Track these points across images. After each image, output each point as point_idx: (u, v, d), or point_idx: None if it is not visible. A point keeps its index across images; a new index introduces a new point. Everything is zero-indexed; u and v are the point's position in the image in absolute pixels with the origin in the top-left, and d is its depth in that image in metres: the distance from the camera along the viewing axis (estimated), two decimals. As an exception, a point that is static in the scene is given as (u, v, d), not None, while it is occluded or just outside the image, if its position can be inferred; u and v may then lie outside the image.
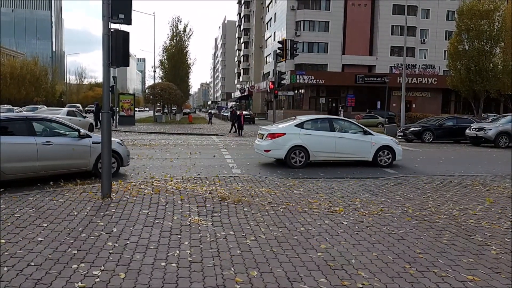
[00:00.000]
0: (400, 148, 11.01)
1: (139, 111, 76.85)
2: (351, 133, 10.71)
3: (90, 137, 8.24)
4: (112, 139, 8.62)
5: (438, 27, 50.04)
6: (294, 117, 11.61)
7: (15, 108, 30.66)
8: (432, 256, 4.05)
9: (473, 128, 18.35)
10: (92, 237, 4.35)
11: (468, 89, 31.67)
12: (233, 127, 24.67)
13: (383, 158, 10.67)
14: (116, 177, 8.06)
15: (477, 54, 30.47)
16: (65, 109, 23.36)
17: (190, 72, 48.56)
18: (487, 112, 39.15)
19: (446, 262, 3.92)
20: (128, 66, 6.38)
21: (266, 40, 61.97)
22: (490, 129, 17.51)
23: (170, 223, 4.94)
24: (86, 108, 53.78)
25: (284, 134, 10.28)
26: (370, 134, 10.82)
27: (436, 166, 11.14)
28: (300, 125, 10.48)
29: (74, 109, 25.85)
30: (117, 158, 8.55)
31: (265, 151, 10.45)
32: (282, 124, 11.11)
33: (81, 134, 8.05)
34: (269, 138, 10.37)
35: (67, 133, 8.03)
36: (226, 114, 43.43)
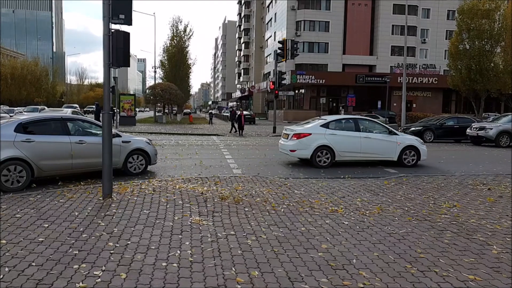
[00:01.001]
0: (425, 148, 11.03)
1: (139, 111, 76.95)
2: (376, 133, 10.78)
3: (120, 136, 8.68)
4: (141, 138, 9.47)
5: (439, 27, 49.99)
6: (318, 117, 11.74)
7: (15, 108, 30.66)
8: (433, 256, 4.05)
9: (474, 128, 18.33)
10: (93, 238, 4.36)
11: (469, 89, 31.65)
12: (233, 127, 24.68)
13: (408, 158, 10.72)
14: (144, 175, 8.76)
15: (477, 54, 30.44)
16: (70, 110, 23.50)
17: (190, 72, 48.54)
18: (488, 111, 39.12)
19: (447, 261, 3.92)
20: (129, 66, 6.39)
21: (267, 40, 61.98)
22: (491, 129, 17.49)
23: (171, 223, 4.94)
24: (85, 109, 53.73)
25: (310, 134, 10.37)
26: (395, 134, 10.92)
27: (437, 166, 11.12)
28: (326, 125, 10.56)
29: (76, 109, 25.91)
30: (145, 156, 8.96)
31: (291, 151, 10.54)
32: (308, 124, 11.17)
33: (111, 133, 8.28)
34: (295, 138, 10.45)
35: (99, 132, 8.20)
36: (227, 114, 43.38)
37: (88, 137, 8.03)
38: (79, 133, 8.07)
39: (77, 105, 46.29)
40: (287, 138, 10.77)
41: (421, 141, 11.22)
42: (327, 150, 10.27)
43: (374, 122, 11.37)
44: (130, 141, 8.81)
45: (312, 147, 10.21)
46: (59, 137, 7.56)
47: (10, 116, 16.77)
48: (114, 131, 8.41)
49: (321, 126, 10.54)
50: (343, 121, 10.98)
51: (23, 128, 7.28)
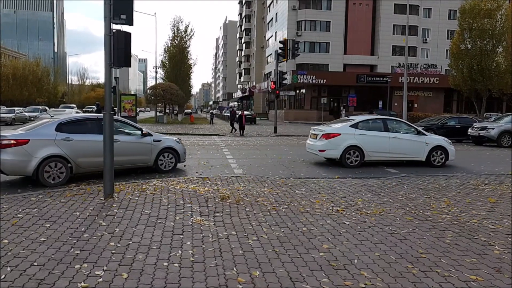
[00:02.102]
0: (453, 148, 11.08)
1: (140, 111, 76.96)
2: (404, 133, 10.84)
3: (151, 135, 9.06)
4: (170, 137, 9.90)
5: (440, 26, 49.91)
6: (347, 117, 11.87)
7: (16, 108, 30.70)
8: (435, 256, 4.04)
9: (475, 128, 18.30)
10: (94, 237, 4.36)
11: (470, 88, 31.60)
12: (233, 128, 24.66)
13: (436, 158, 10.77)
14: (174, 173, 9.13)
15: (479, 53, 30.39)
16: (74, 110, 23.72)
17: (191, 72, 48.57)
18: (490, 111, 39.04)
19: (449, 262, 3.91)
20: (130, 66, 6.40)
21: (268, 40, 61.97)
22: (493, 129, 17.45)
23: (172, 223, 4.95)
24: (84, 109, 53.66)
25: (340, 134, 10.44)
26: (424, 134, 10.97)
27: (438, 166, 11.09)
28: (355, 126, 10.64)
29: (73, 109, 25.99)
30: (175, 155, 9.34)
31: (320, 151, 10.64)
32: (336, 125, 11.24)
33: (143, 132, 8.87)
34: (324, 138, 10.54)
35: (132, 131, 8.83)
36: (228, 114, 43.41)
37: (121, 136, 8.41)
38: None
39: (74, 105, 46.28)
40: (316, 138, 10.87)
41: (449, 141, 11.27)
42: (357, 150, 10.37)
43: (403, 123, 11.45)
44: (161, 140, 9.20)
45: (341, 147, 10.31)
46: (95, 136, 7.81)
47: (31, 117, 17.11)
48: (145, 130, 9.04)
49: (351, 126, 10.65)
50: (372, 121, 11.07)
51: (62, 127, 7.70)
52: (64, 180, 7.45)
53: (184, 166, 10.22)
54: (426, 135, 11.00)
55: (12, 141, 7.12)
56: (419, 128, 11.19)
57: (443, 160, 10.78)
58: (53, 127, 7.60)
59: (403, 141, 10.63)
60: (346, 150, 10.31)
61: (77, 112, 22.06)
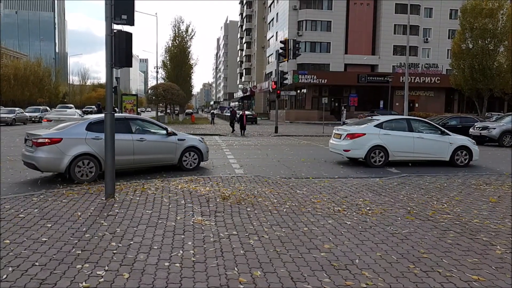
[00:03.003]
0: (477, 148, 11.12)
1: (141, 111, 77.04)
2: (428, 133, 10.89)
3: (176, 134, 9.39)
4: (194, 137, 10.18)
5: (441, 26, 49.81)
6: (370, 118, 11.93)
7: (16, 109, 30.71)
8: (437, 256, 4.04)
9: (477, 127, 18.26)
10: (96, 238, 4.37)
11: (472, 88, 31.53)
12: (233, 128, 24.63)
13: (460, 158, 10.81)
14: (197, 171, 9.41)
15: (480, 53, 30.33)
16: (78, 111, 23.98)
17: (192, 72, 48.65)
18: (491, 111, 38.97)
19: (450, 262, 3.90)
20: (131, 66, 6.42)
21: (268, 40, 61.94)
22: (494, 128, 17.43)
23: (174, 223, 4.95)
24: (83, 109, 53.65)
25: (364, 134, 10.52)
26: (447, 134, 11.02)
27: (440, 165, 11.08)
28: (380, 126, 10.73)
29: (78, 110, 26.09)
30: (198, 154, 9.63)
31: (345, 150, 10.73)
32: (361, 125, 11.31)
33: (168, 132, 9.22)
34: (349, 138, 10.62)
35: (157, 131, 9.20)
36: (228, 114, 43.44)
37: (147, 135, 8.85)
38: (139, 131, 8.82)
39: (72, 105, 46.26)
40: (340, 138, 10.95)
41: (473, 141, 11.32)
42: (381, 150, 10.44)
43: (427, 123, 11.49)
44: (185, 139, 9.51)
45: (366, 147, 10.39)
46: (123, 135, 8.21)
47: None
48: (170, 129, 9.38)
49: (375, 126, 10.74)
50: (397, 121, 11.15)
51: (92, 127, 8.05)
52: (94, 176, 7.76)
53: (212, 167, 10.31)
54: (450, 135, 11.06)
55: (46, 140, 7.52)
56: (443, 128, 11.28)
57: (466, 161, 10.82)
58: (84, 127, 8.00)
59: (427, 141, 10.69)
60: (371, 150, 10.39)
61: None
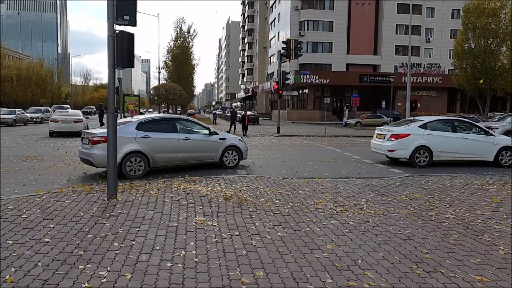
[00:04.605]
0: None
1: (143, 112, 77.08)
2: (472, 133, 10.92)
3: (217, 134, 9.86)
4: (234, 136, 10.89)
5: (443, 26, 49.69)
6: (413, 118, 12.08)
7: (17, 110, 30.78)
8: (439, 256, 4.02)
9: (479, 127, 18.19)
10: (98, 238, 4.37)
11: (474, 88, 31.44)
12: (233, 128, 24.58)
13: (504, 159, 10.82)
14: (237, 168, 9.86)
15: (483, 53, 30.23)
16: (76, 111, 24.11)
17: (194, 72, 48.84)
18: (494, 111, 38.79)
19: (453, 262, 3.89)
20: (133, 67, 6.43)
21: (270, 40, 61.94)
22: (497, 128, 17.37)
23: (176, 224, 4.95)
24: (83, 110, 53.61)
25: (409, 134, 10.63)
26: (492, 135, 11.05)
27: (442, 165, 11.05)
28: (424, 126, 10.82)
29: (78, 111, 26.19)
30: (238, 152, 10.06)
31: (389, 151, 10.88)
32: (405, 125, 11.38)
33: (211, 131, 9.72)
34: (393, 139, 10.73)
35: (200, 130, 9.69)
36: (229, 115, 43.47)
37: (191, 134, 9.35)
38: (184, 131, 9.34)
39: (68, 106, 46.28)
40: (384, 139, 11.06)
41: None
42: (426, 150, 10.51)
43: (470, 124, 11.49)
44: (226, 138, 9.98)
45: (411, 148, 10.49)
46: (169, 134, 8.91)
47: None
48: (212, 129, 9.86)
49: (419, 127, 10.82)
50: (440, 122, 11.20)
51: (142, 126, 8.66)
52: (143, 173, 8.30)
53: (252, 163, 10.98)
54: (494, 135, 11.09)
55: (101, 138, 7.98)
56: (487, 129, 11.31)
57: (510, 161, 10.83)
58: (134, 126, 8.57)
59: (471, 141, 10.72)
60: (416, 150, 10.49)
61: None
